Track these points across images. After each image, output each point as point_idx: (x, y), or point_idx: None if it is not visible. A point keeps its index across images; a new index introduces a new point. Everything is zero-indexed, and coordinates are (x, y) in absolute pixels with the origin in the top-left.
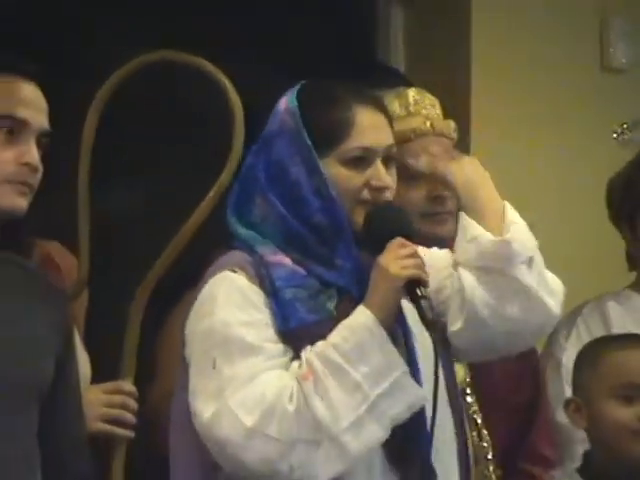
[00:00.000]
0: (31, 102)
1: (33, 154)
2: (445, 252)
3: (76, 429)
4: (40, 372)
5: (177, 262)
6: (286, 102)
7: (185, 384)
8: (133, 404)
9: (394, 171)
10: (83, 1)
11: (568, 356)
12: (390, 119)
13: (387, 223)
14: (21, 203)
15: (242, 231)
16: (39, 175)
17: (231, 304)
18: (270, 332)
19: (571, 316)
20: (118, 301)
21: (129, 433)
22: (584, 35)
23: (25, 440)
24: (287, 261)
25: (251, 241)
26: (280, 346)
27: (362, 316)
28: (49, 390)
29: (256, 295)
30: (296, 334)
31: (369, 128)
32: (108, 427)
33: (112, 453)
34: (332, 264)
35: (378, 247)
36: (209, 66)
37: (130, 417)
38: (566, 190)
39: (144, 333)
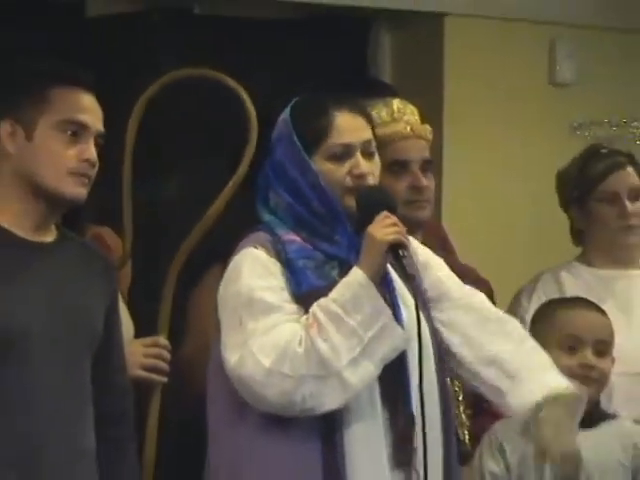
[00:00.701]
0: (90, 109)
1: (92, 152)
2: (441, 261)
3: (119, 375)
4: (93, 331)
5: (203, 241)
6: (283, 114)
7: (218, 339)
8: (167, 355)
9: (376, 160)
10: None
11: (530, 315)
12: (369, 118)
13: (373, 201)
14: (82, 192)
15: (266, 216)
16: (96, 169)
17: (254, 273)
18: (285, 295)
19: (531, 283)
20: (155, 273)
21: (163, 379)
22: (536, 56)
23: (82, 383)
24: (298, 239)
25: (272, 224)
26: (293, 306)
27: (355, 275)
28: (100, 345)
29: (274, 266)
30: (306, 296)
31: (345, 128)
32: (145, 374)
33: (150, 395)
34: (333, 240)
35: (368, 221)
36: (230, 81)
37: (164, 365)
38: (523, 178)
39: (177, 299)
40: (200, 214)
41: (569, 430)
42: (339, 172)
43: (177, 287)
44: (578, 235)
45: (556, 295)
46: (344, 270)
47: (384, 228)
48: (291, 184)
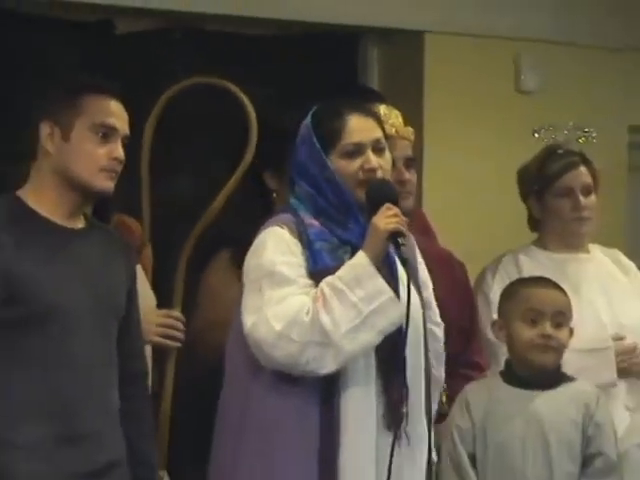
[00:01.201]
0: (117, 114)
1: (120, 151)
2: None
3: (136, 342)
4: (117, 305)
5: (213, 229)
6: (305, 120)
7: (240, 306)
8: (180, 325)
9: (386, 156)
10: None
11: (494, 292)
12: (379, 119)
13: (379, 194)
14: (110, 186)
15: (293, 201)
16: (122, 166)
17: (277, 249)
18: (302, 271)
19: (494, 263)
20: (171, 255)
21: (176, 344)
22: (503, 68)
23: (110, 348)
24: (317, 224)
25: (296, 207)
26: (307, 281)
27: (359, 257)
28: (123, 316)
29: (294, 245)
30: (320, 274)
31: (356, 129)
32: (159, 339)
33: (166, 360)
34: (347, 228)
35: (374, 211)
36: (232, 86)
37: (176, 334)
38: (492, 172)
39: (190, 279)
40: (207, 206)
41: None
42: (351, 167)
43: (190, 269)
44: (535, 223)
45: (515, 274)
46: (353, 254)
47: (386, 218)
48: (312, 179)
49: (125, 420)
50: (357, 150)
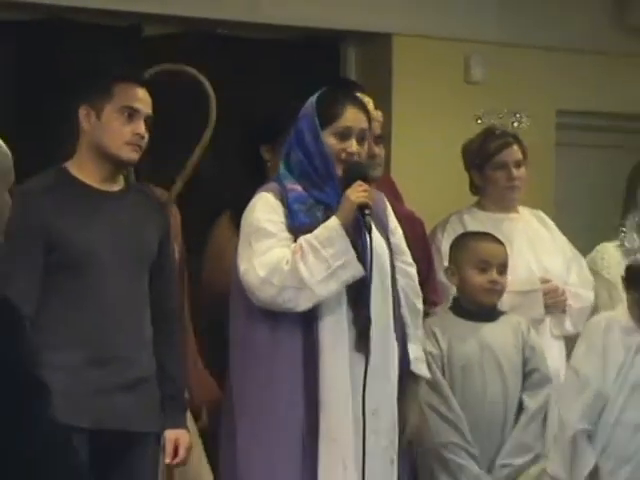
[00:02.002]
0: (141, 99)
1: (142, 129)
2: (400, 232)
3: (169, 284)
4: (149, 252)
5: (216, 194)
6: (311, 99)
7: (236, 257)
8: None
9: (365, 145)
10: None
11: (444, 245)
12: (368, 115)
13: (354, 172)
14: (134, 157)
15: (282, 171)
16: (145, 141)
17: (262, 210)
18: (283, 227)
19: (443, 222)
20: (191, 215)
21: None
22: (455, 63)
23: (142, 289)
24: (299, 188)
25: (282, 177)
26: (287, 235)
27: (332, 221)
28: (154, 263)
29: (277, 207)
30: (297, 229)
31: (350, 118)
32: None
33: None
34: (323, 190)
35: (349, 186)
36: (195, 72)
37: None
38: (445, 146)
39: (199, 236)
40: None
41: None
42: (338, 147)
43: (198, 228)
44: (476, 189)
45: (460, 230)
46: (326, 213)
47: (357, 192)
48: (305, 146)
49: (157, 348)
50: (346, 133)
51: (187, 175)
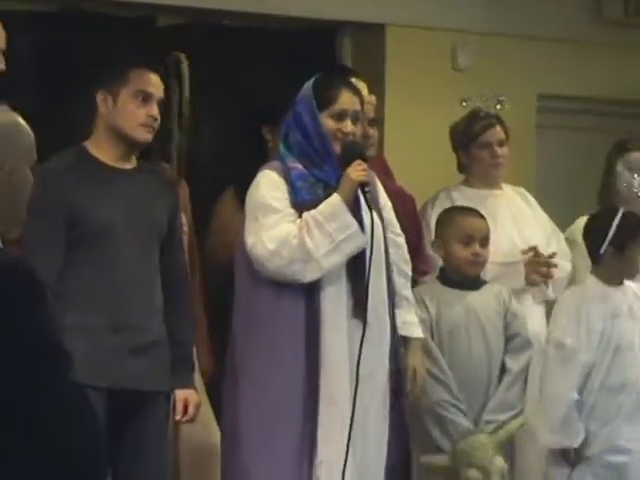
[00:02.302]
0: (154, 83)
1: (155, 111)
2: (390, 205)
3: (178, 255)
4: (159, 227)
5: (220, 172)
6: (307, 84)
7: (243, 231)
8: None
9: (359, 126)
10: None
11: (433, 220)
12: (362, 99)
13: (353, 151)
14: (148, 137)
15: (283, 151)
16: (158, 123)
17: (267, 187)
18: (287, 203)
19: (433, 198)
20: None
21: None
22: (443, 51)
23: (153, 259)
24: (300, 166)
25: (284, 156)
26: (291, 210)
27: (334, 198)
28: (164, 237)
29: (281, 184)
30: (300, 205)
31: (345, 101)
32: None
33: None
34: (322, 169)
35: (347, 164)
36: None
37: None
38: (435, 128)
39: (204, 210)
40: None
41: None
42: (335, 127)
43: (204, 202)
44: (462, 167)
45: (449, 205)
46: (326, 190)
47: (357, 171)
48: (303, 127)
49: (167, 315)
50: (342, 114)
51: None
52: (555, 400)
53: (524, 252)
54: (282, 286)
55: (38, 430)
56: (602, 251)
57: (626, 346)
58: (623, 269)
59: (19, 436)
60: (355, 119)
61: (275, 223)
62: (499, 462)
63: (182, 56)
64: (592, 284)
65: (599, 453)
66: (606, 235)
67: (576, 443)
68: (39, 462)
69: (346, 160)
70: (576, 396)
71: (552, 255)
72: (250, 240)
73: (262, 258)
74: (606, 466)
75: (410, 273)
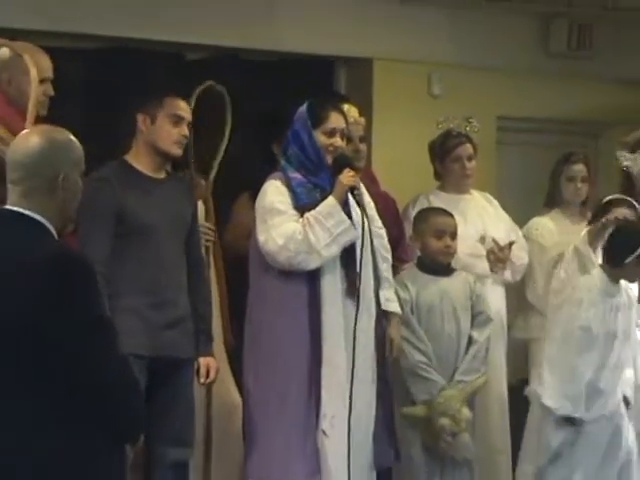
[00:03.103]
0: (184, 108)
1: (186, 131)
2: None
3: (197, 245)
4: (185, 225)
5: (236, 179)
6: (302, 107)
7: (255, 229)
8: (213, 234)
9: (345, 141)
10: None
11: (413, 218)
12: (347, 119)
13: (341, 161)
14: (180, 152)
15: (283, 163)
16: (187, 140)
17: (273, 194)
18: (290, 206)
19: (413, 200)
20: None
21: (211, 245)
22: (421, 81)
23: (181, 250)
24: (299, 176)
25: (285, 168)
26: (294, 212)
27: (330, 200)
28: (188, 231)
29: (284, 191)
30: (301, 208)
31: (334, 121)
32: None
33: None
34: (318, 176)
35: (338, 172)
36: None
37: (211, 237)
38: (415, 145)
39: (224, 210)
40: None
41: None
42: (327, 142)
43: (224, 203)
44: (438, 176)
45: (420, 207)
46: (322, 194)
47: (348, 178)
48: (300, 143)
49: (190, 293)
50: (332, 132)
51: (218, 161)
52: (577, 378)
53: (481, 240)
54: (288, 273)
55: (91, 391)
56: (627, 260)
57: (617, 335)
58: (634, 275)
59: (77, 396)
60: (342, 135)
61: (281, 223)
62: (466, 412)
63: (223, 90)
64: (600, 280)
65: (592, 420)
66: (635, 249)
67: (581, 413)
68: (94, 416)
69: (337, 168)
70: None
71: (511, 243)
72: (262, 238)
73: (273, 252)
74: (597, 430)
75: (390, 259)
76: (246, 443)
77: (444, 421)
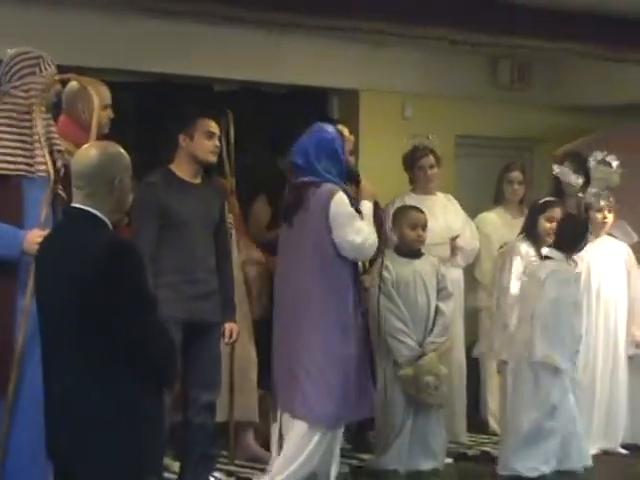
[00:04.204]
0: (214, 126)
1: (217, 143)
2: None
3: (224, 237)
4: (214, 221)
5: (253, 182)
6: (331, 130)
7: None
8: (231, 225)
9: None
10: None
11: (392, 214)
12: (350, 140)
13: (354, 173)
14: (214, 159)
15: (327, 176)
16: (218, 150)
17: (347, 203)
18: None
19: (392, 201)
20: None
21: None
22: (395, 107)
23: (211, 241)
24: (340, 182)
25: (329, 179)
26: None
27: (366, 205)
28: (216, 224)
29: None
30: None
31: (348, 143)
32: None
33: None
34: (339, 180)
35: (353, 179)
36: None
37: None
38: (394, 158)
39: (244, 210)
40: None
41: None
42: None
43: (244, 204)
44: (411, 181)
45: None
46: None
47: (370, 189)
48: (339, 158)
49: (218, 272)
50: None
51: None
52: (574, 338)
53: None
54: (340, 262)
55: (137, 346)
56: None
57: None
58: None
59: (122, 351)
60: (350, 153)
61: (360, 225)
62: (444, 369)
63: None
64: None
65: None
66: (584, 237)
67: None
68: (140, 365)
69: (354, 179)
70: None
71: (456, 236)
72: (351, 237)
73: (356, 248)
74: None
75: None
76: (292, 388)
77: (429, 378)
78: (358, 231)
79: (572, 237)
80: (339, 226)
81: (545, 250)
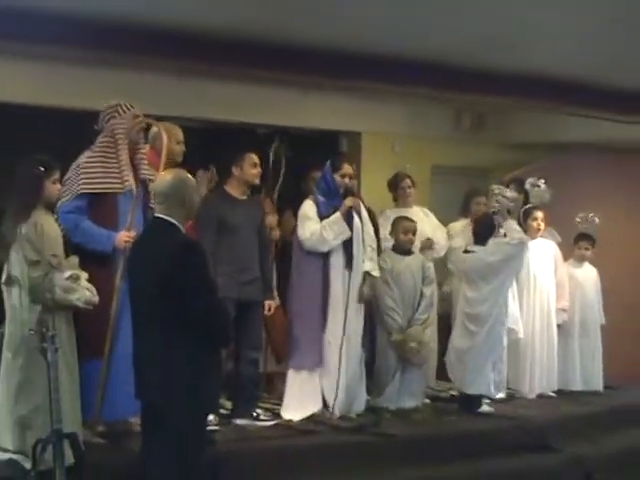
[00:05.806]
0: (256, 159)
1: (259, 170)
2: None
3: (266, 234)
4: (258, 225)
5: (283, 202)
6: (328, 161)
7: (297, 228)
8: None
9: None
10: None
11: (382, 222)
12: (353, 167)
13: (348, 191)
14: (257, 181)
15: (315, 191)
16: (260, 175)
17: (308, 207)
18: (316, 215)
19: (384, 213)
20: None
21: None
22: (385, 145)
23: (255, 238)
24: (323, 199)
25: (316, 194)
26: (318, 219)
27: (337, 214)
28: (258, 228)
29: (313, 206)
30: (322, 217)
31: (345, 168)
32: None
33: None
34: (334, 200)
35: (345, 197)
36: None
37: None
38: (382, 181)
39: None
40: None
41: None
42: (340, 180)
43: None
44: (394, 199)
45: (391, 216)
46: (335, 210)
47: (349, 201)
48: (326, 180)
49: (260, 262)
50: (344, 175)
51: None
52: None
53: (425, 240)
54: (313, 253)
55: (200, 316)
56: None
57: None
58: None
59: (191, 321)
60: (350, 177)
61: (310, 224)
62: (427, 338)
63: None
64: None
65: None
66: (492, 231)
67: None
68: (203, 332)
69: (345, 195)
70: None
71: (429, 239)
72: (300, 232)
73: (305, 240)
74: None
75: (375, 246)
76: (287, 346)
77: (413, 344)
78: (303, 227)
79: (484, 232)
80: (298, 223)
81: (468, 247)
